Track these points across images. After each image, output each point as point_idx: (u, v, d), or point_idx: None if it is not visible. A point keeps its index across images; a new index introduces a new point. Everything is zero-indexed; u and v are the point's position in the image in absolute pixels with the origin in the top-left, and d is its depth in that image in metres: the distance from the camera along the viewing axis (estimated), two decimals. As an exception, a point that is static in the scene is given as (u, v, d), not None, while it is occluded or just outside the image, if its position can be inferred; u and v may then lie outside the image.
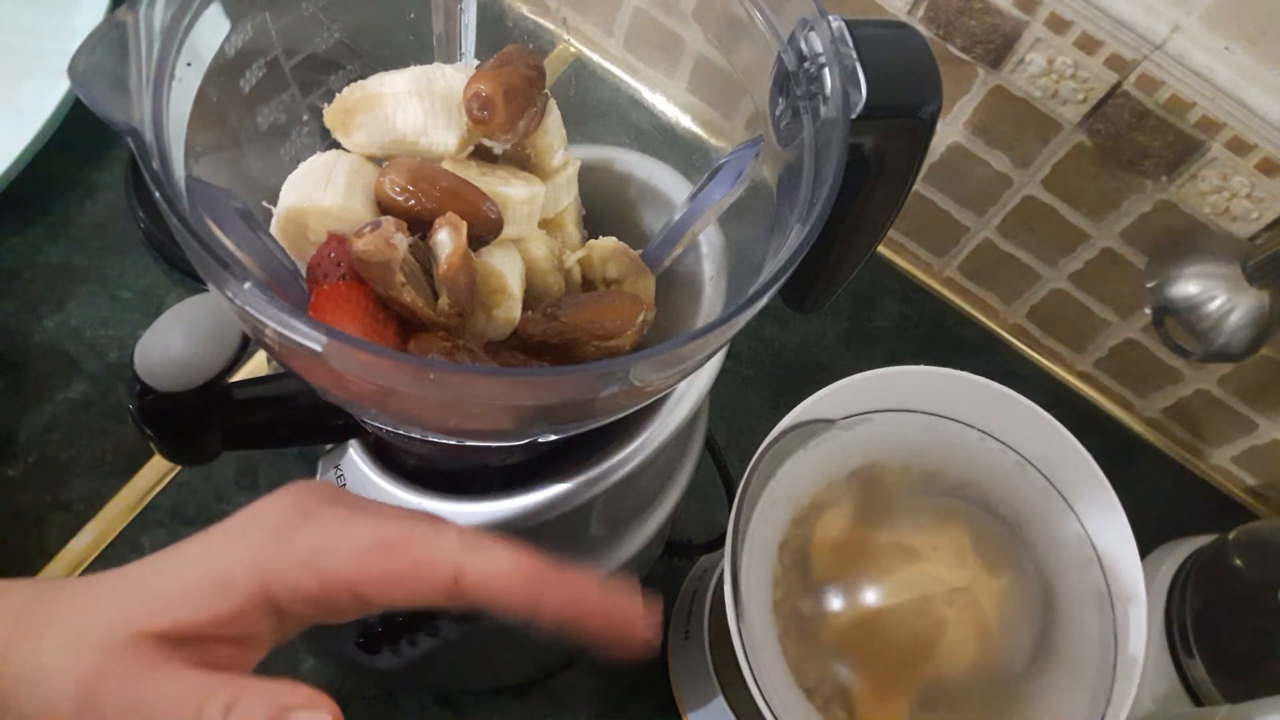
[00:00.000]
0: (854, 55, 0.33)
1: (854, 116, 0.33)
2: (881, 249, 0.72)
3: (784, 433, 0.45)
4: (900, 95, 0.34)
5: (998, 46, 0.56)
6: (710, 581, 0.52)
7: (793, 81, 0.34)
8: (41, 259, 0.62)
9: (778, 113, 0.35)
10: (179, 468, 0.58)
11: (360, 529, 0.28)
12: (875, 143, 0.36)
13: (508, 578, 0.27)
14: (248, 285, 0.26)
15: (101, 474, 0.57)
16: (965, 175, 0.64)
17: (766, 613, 0.43)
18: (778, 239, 0.33)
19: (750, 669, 0.40)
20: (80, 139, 0.65)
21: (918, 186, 0.67)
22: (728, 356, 0.41)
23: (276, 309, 0.26)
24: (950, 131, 0.62)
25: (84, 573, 0.55)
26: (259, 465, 0.59)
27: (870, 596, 0.43)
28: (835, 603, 0.44)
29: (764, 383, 0.66)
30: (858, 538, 0.45)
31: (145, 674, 0.26)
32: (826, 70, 0.33)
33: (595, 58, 0.69)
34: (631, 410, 0.36)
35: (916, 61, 0.35)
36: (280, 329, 0.26)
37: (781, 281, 0.30)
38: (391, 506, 0.30)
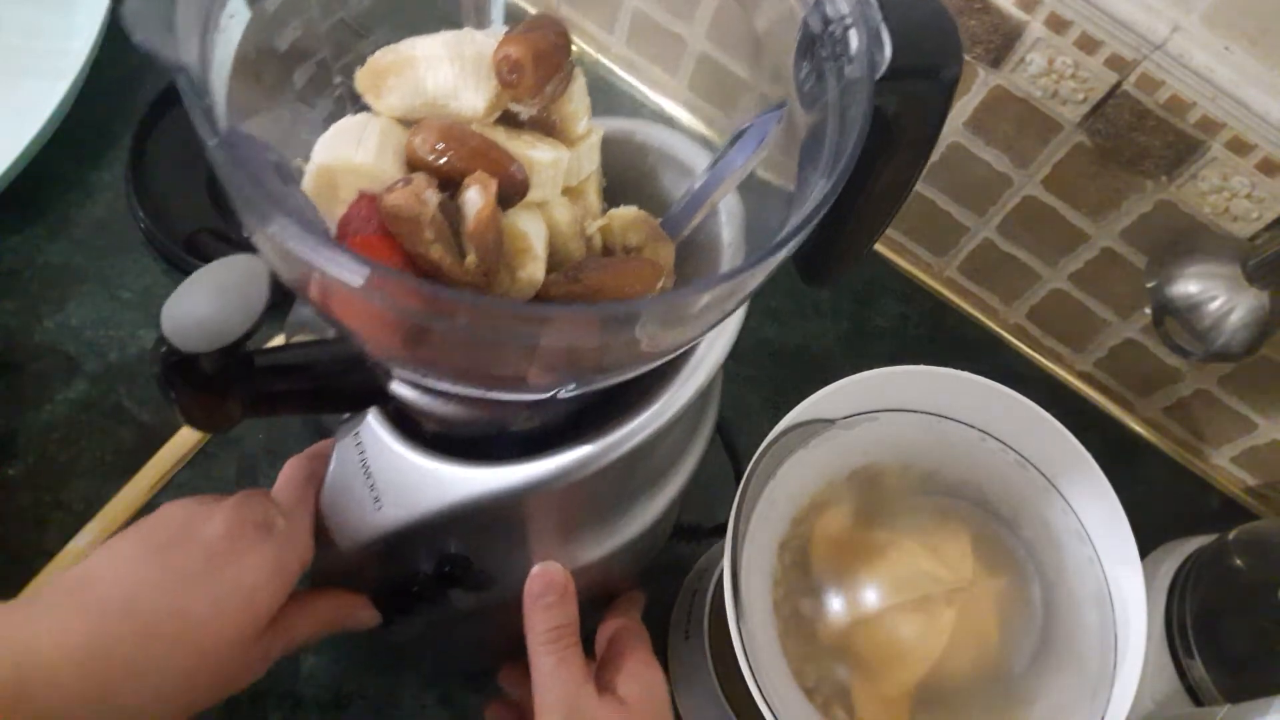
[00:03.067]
0: (879, 16, 0.33)
1: (878, 77, 0.33)
2: (881, 249, 0.72)
3: (784, 433, 0.45)
4: (923, 57, 0.35)
5: (998, 46, 0.56)
6: (710, 581, 0.52)
7: (818, 44, 0.35)
8: (41, 259, 0.62)
9: (802, 75, 0.36)
10: (178, 468, 0.58)
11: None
12: (897, 107, 0.37)
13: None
14: (292, 220, 0.26)
15: (101, 474, 0.57)
16: (965, 175, 0.64)
17: (767, 613, 0.43)
18: (798, 206, 0.34)
19: (750, 669, 0.40)
20: (80, 139, 0.65)
21: (918, 186, 0.67)
22: (728, 356, 0.41)
23: (320, 241, 0.26)
24: (950, 131, 0.62)
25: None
26: (259, 465, 0.59)
27: (870, 596, 0.43)
28: (835, 603, 0.44)
29: (764, 383, 0.66)
30: (858, 537, 0.45)
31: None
32: (852, 31, 0.34)
33: (596, 55, 0.68)
34: (651, 366, 0.36)
35: (939, 24, 0.36)
36: (322, 263, 0.26)
37: (803, 234, 0.30)
38: None
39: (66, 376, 0.59)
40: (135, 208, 0.63)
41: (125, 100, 0.67)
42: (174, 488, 0.58)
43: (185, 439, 0.59)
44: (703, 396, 0.41)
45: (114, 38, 0.67)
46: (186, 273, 0.35)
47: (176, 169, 0.65)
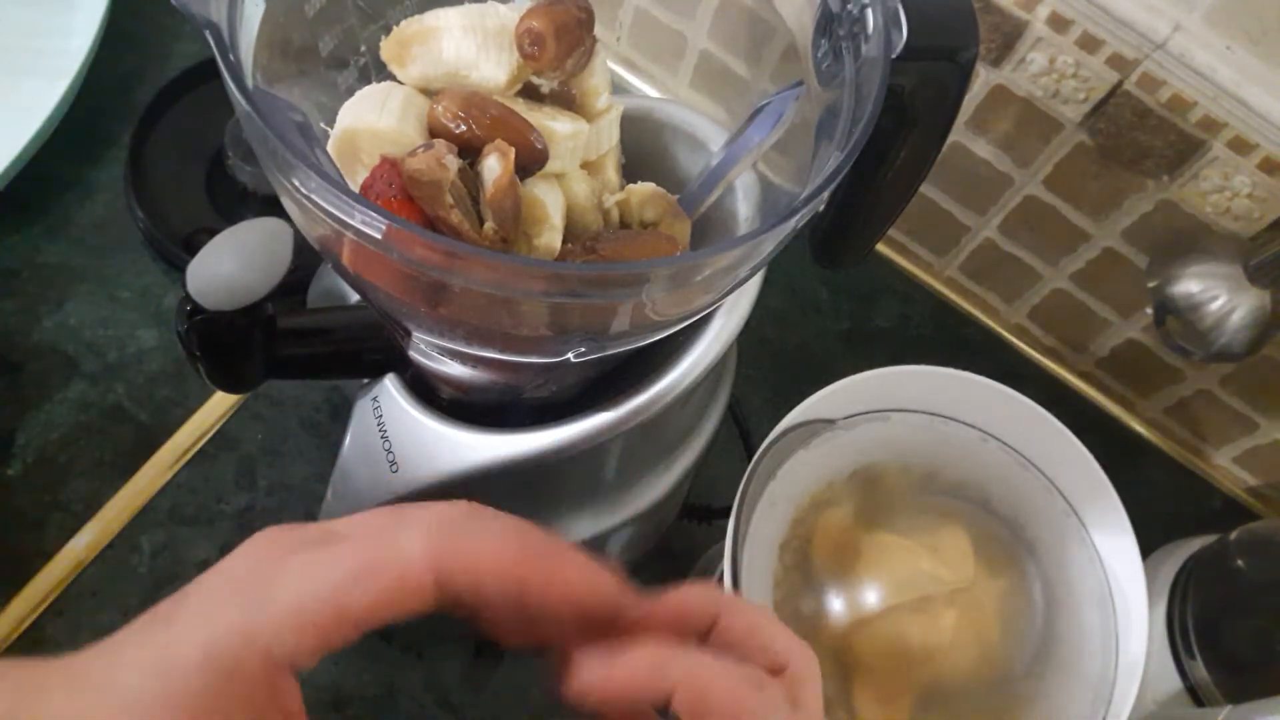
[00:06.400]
0: None
1: (894, 56, 0.34)
2: (882, 248, 0.72)
3: (784, 433, 0.45)
4: (939, 37, 0.36)
5: (999, 45, 0.56)
6: (710, 582, 0.52)
7: (836, 23, 0.36)
8: (40, 259, 0.62)
9: (819, 54, 0.37)
10: (177, 468, 0.58)
11: (330, 567, 0.26)
12: (913, 87, 0.37)
13: (494, 560, 0.26)
14: (315, 173, 0.27)
15: (100, 474, 0.57)
16: (966, 174, 0.64)
17: (767, 613, 0.43)
18: (813, 177, 0.34)
19: (750, 670, 0.40)
20: (79, 139, 0.65)
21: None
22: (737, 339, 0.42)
23: (342, 194, 0.27)
24: (951, 131, 0.62)
25: (83, 573, 0.55)
26: (257, 465, 0.59)
27: (871, 597, 0.43)
28: (836, 603, 0.43)
29: (764, 383, 0.66)
30: (858, 538, 0.45)
31: None
32: (869, 10, 0.34)
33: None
34: (664, 334, 0.37)
35: (956, 6, 0.37)
36: (344, 215, 0.27)
37: (817, 202, 0.31)
38: (352, 520, 0.28)
39: (65, 376, 0.59)
40: (134, 207, 0.63)
41: (124, 100, 0.67)
42: (173, 488, 0.58)
43: (184, 439, 0.59)
44: (716, 371, 0.41)
45: (113, 38, 0.67)
46: (185, 273, 0.36)
47: (175, 169, 0.65)
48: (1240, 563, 0.54)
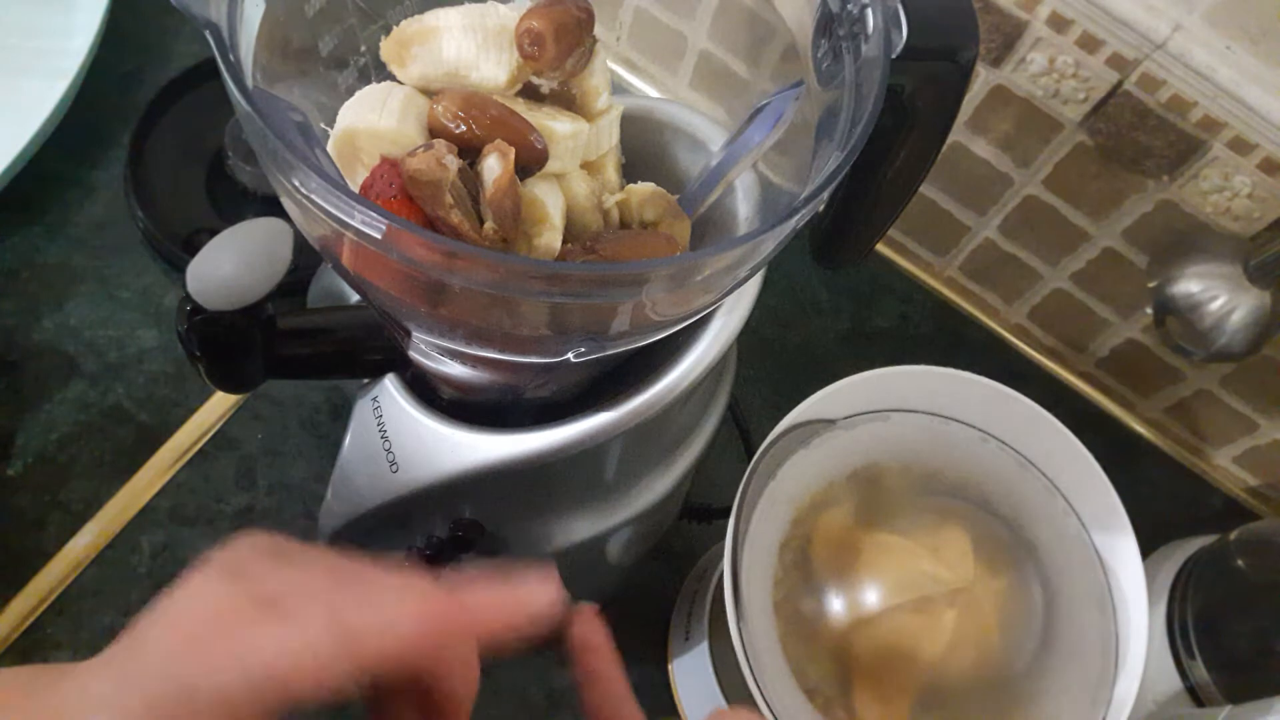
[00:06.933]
0: None
1: (894, 56, 0.34)
2: (882, 248, 0.72)
3: (784, 433, 0.45)
4: (939, 38, 0.36)
5: (999, 46, 0.56)
6: (710, 582, 0.52)
7: (836, 23, 0.36)
8: (40, 259, 0.62)
9: (819, 54, 0.37)
10: (176, 468, 0.58)
11: (274, 651, 0.27)
12: (913, 88, 0.37)
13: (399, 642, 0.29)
14: (315, 173, 0.27)
15: (100, 474, 0.57)
16: (966, 174, 0.64)
17: (767, 613, 0.43)
18: (813, 177, 0.34)
19: (751, 670, 0.40)
20: (79, 139, 0.65)
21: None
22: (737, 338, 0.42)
23: (342, 194, 0.27)
24: (951, 131, 0.62)
25: (83, 573, 0.55)
26: (257, 466, 0.59)
27: (871, 597, 0.43)
28: (836, 603, 0.43)
29: (764, 383, 0.66)
30: (858, 538, 0.45)
31: None
32: (869, 10, 0.34)
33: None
34: (664, 334, 0.37)
35: (956, 6, 0.37)
36: (344, 215, 0.27)
37: (817, 202, 0.31)
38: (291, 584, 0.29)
39: (65, 376, 0.59)
40: (134, 207, 0.63)
41: (124, 100, 0.67)
42: (173, 488, 0.58)
43: (184, 439, 0.59)
44: (716, 371, 0.41)
45: (113, 37, 0.67)
46: (185, 273, 0.36)
47: (175, 169, 0.65)
48: (1240, 563, 0.54)
